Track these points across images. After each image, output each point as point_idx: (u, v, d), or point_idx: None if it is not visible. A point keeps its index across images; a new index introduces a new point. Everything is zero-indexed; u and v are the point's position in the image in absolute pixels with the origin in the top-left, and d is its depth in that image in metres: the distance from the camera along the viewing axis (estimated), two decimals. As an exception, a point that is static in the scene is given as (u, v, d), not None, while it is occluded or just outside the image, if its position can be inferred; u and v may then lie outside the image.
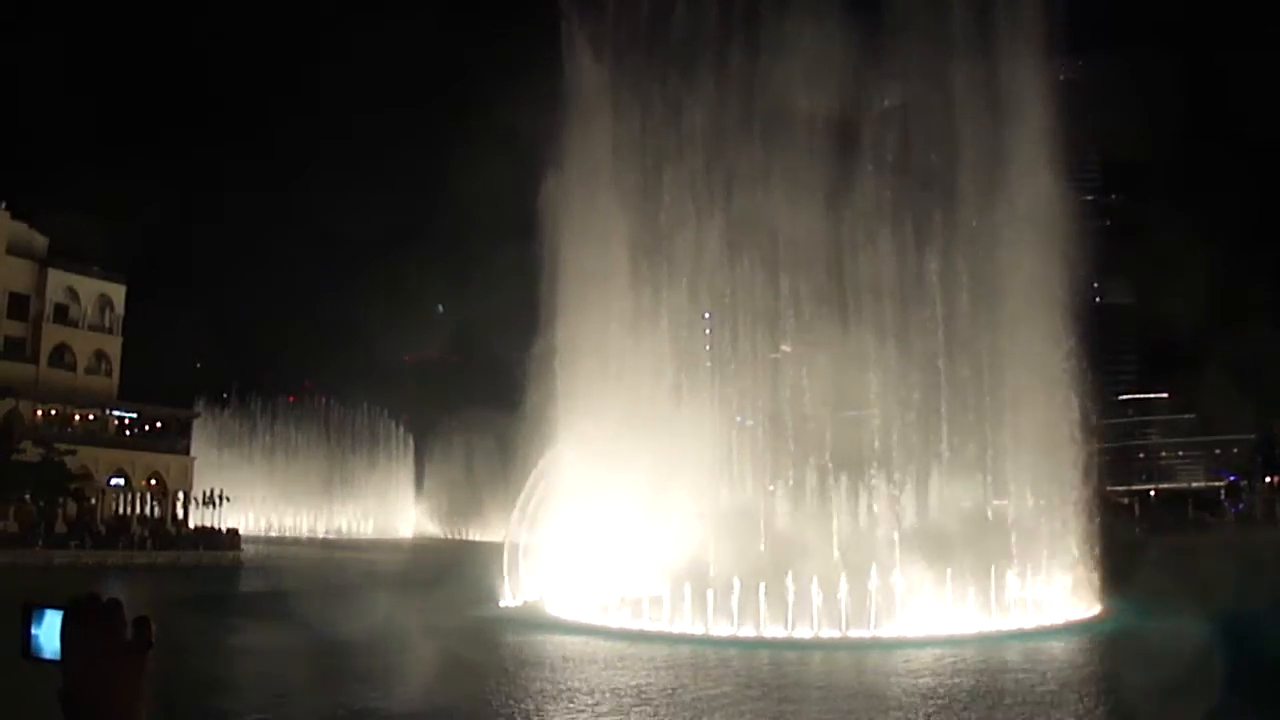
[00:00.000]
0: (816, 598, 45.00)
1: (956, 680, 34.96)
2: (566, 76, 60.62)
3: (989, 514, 55.14)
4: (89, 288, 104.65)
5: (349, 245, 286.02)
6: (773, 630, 44.62)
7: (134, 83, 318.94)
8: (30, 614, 3.40)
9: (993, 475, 56.13)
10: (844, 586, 45.19)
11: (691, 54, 61.11)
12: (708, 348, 62.89)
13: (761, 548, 51.51)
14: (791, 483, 59.01)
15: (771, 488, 58.82)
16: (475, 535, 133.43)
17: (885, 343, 59.42)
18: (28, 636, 3.41)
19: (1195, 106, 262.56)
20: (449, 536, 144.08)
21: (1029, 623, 47.29)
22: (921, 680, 35.14)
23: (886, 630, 44.60)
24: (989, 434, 57.03)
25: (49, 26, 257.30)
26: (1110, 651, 42.33)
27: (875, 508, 55.11)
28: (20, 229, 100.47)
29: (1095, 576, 53.39)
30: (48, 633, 3.36)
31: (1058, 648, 42.72)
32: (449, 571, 74.73)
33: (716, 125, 61.26)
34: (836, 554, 49.76)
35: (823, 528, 53.08)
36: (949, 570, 46.85)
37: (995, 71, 59.80)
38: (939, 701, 31.07)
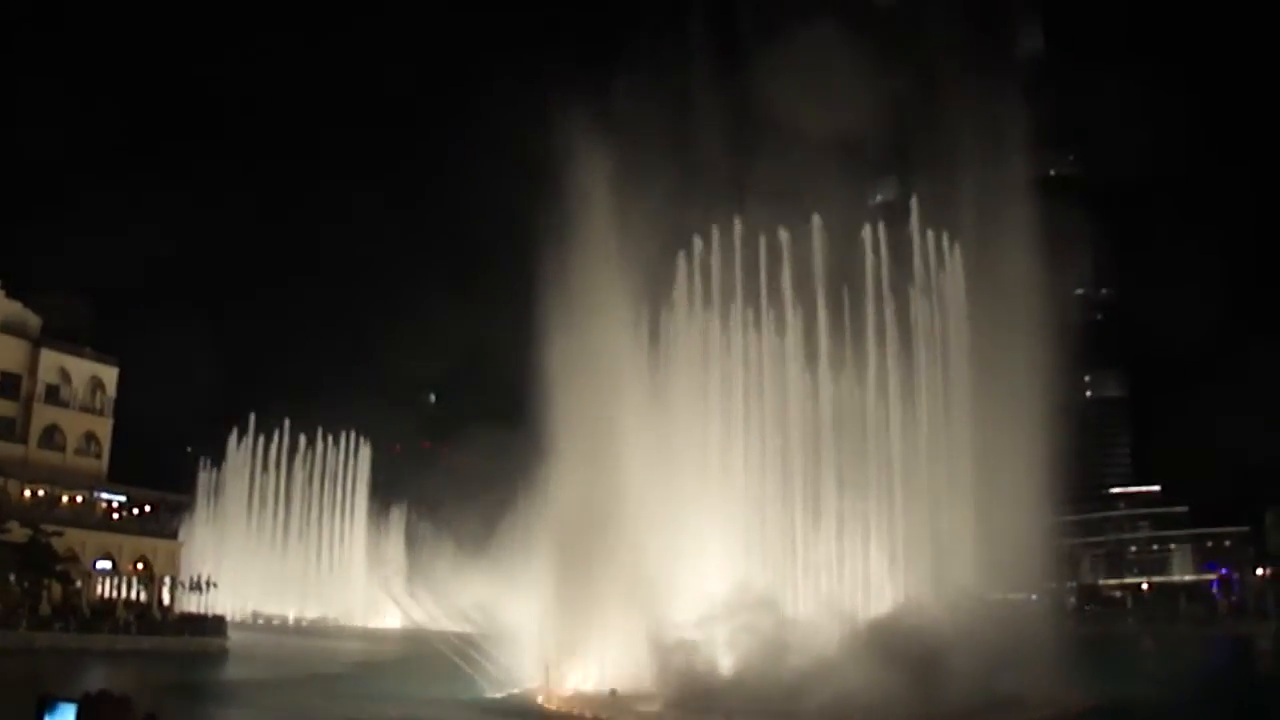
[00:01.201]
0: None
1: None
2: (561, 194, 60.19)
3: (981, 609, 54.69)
4: (81, 369, 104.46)
5: (339, 330, 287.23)
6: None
7: (122, 119, 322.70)
8: (44, 705, 3.49)
9: (985, 572, 55.90)
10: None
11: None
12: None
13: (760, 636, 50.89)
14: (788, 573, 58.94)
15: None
16: (466, 626, 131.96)
17: (876, 442, 59.87)
18: (41, 728, 3.50)
19: (1189, 198, 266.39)
20: (439, 627, 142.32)
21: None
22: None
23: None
24: (979, 532, 57.00)
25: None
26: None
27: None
28: (14, 308, 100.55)
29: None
30: None
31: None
32: (436, 661, 73.89)
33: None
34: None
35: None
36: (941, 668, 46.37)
37: (984, 173, 60.86)
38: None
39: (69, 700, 3.21)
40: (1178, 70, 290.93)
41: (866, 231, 65.51)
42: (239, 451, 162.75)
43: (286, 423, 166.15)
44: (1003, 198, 61.04)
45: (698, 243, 65.78)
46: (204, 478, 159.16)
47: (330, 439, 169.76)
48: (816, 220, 64.23)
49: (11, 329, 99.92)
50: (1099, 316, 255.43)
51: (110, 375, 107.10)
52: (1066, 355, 61.78)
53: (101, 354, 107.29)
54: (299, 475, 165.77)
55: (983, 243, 61.10)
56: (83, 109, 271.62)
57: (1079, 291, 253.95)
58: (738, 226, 64.78)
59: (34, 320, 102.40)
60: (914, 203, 65.95)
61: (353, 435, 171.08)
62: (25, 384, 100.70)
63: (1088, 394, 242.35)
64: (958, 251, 63.73)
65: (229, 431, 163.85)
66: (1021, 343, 57.89)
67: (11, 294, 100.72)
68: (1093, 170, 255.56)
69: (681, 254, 65.84)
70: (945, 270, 64.08)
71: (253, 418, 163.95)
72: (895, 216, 67.81)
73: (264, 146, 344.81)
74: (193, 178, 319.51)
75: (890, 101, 67.85)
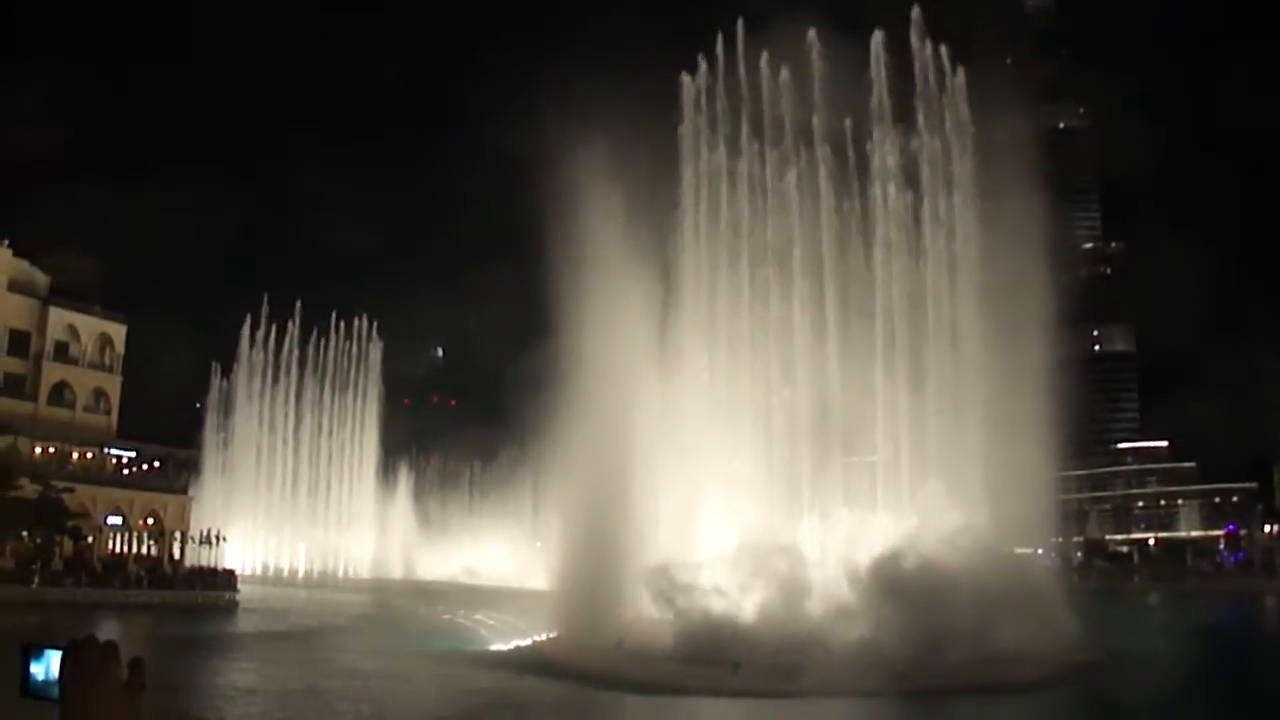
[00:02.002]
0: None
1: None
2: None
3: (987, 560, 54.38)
4: (90, 326, 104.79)
5: (349, 282, 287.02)
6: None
7: (130, 111, 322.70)
8: (30, 653, 3.49)
9: (992, 525, 55.49)
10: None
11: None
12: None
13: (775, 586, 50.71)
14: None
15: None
16: (471, 579, 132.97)
17: (884, 395, 59.77)
18: (27, 675, 3.50)
19: (1199, 153, 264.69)
20: (448, 579, 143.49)
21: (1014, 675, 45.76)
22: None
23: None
24: (987, 485, 56.73)
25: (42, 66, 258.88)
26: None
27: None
28: (22, 266, 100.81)
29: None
30: (46, 671, 3.46)
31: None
32: (443, 614, 74.43)
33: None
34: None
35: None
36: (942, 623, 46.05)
37: (995, 127, 60.26)
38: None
39: (54, 647, 3.22)
40: (1194, 25, 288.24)
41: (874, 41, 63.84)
42: (248, 404, 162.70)
43: (295, 375, 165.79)
44: (1003, 154, 60.37)
45: (702, 64, 65.37)
46: (214, 431, 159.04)
47: (339, 394, 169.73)
48: (812, 34, 62.65)
49: (20, 287, 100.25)
50: (1108, 270, 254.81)
51: (119, 332, 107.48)
52: (1075, 309, 61.49)
53: (110, 311, 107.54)
54: (307, 427, 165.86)
55: (990, 196, 60.57)
56: (91, 90, 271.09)
57: (1088, 245, 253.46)
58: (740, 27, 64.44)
59: (42, 278, 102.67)
60: (915, 13, 63.86)
61: (364, 386, 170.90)
62: (34, 342, 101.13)
63: (1096, 348, 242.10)
64: (961, 76, 62.13)
65: (232, 389, 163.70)
66: (1030, 297, 57.58)
67: (20, 253, 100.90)
68: (1103, 123, 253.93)
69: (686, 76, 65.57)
70: (948, 91, 62.45)
71: (256, 393, 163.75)
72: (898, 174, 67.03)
73: (264, 135, 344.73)
74: (192, 173, 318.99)
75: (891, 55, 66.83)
